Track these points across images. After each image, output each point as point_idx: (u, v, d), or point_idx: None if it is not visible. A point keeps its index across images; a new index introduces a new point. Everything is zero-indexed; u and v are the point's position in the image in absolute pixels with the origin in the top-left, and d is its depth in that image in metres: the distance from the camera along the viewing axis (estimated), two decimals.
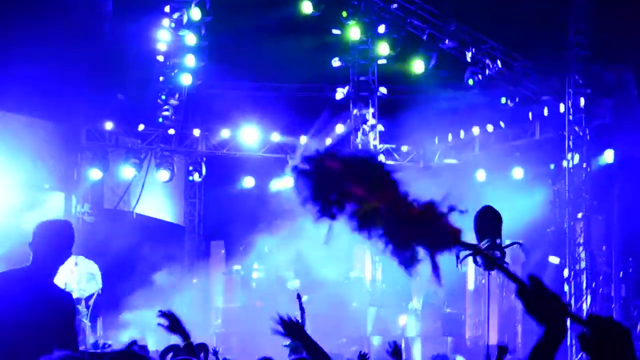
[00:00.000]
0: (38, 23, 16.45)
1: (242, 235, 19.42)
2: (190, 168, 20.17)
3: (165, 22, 18.13)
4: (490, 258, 6.54)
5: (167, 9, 18.07)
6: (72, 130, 18.49)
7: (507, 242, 7.13)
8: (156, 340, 14.43)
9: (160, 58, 18.37)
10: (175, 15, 17.89)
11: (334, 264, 19.01)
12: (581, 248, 16.71)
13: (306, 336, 5.67)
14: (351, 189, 3.16)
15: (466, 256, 6.42)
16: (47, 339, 5.34)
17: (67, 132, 18.41)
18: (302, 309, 9.49)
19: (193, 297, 19.46)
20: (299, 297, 9.71)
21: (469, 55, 17.32)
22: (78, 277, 15.29)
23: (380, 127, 19.52)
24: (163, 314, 6.12)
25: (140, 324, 16.62)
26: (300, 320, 5.89)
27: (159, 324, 6.14)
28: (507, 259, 6.87)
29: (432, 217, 3.21)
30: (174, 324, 6.08)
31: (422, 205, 3.20)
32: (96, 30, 17.91)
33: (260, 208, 19.85)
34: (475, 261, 6.58)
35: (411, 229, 3.19)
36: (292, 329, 5.64)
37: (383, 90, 19.21)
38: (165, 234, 20.00)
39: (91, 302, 15.59)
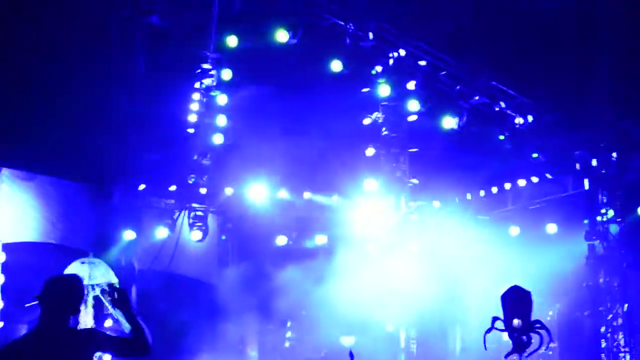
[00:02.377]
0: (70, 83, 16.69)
1: (276, 294, 19.38)
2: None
3: (197, 83, 18.28)
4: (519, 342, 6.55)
5: (199, 70, 18.23)
6: (104, 191, 18.58)
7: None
8: None
9: (192, 118, 18.46)
10: (206, 81, 18.01)
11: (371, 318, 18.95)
12: (617, 305, 16.43)
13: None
14: None
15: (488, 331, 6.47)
16: None
17: (99, 193, 18.51)
18: None
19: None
20: (351, 355, 9.62)
21: (498, 110, 17.27)
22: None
23: (415, 181, 19.43)
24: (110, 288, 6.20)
25: None
26: None
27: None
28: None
29: None
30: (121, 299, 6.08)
31: None
32: (127, 91, 18.09)
33: (297, 267, 19.84)
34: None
35: None
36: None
37: (414, 149, 19.15)
38: (199, 293, 19.97)
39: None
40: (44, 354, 5.62)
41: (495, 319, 6.74)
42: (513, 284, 6.91)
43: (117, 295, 6.02)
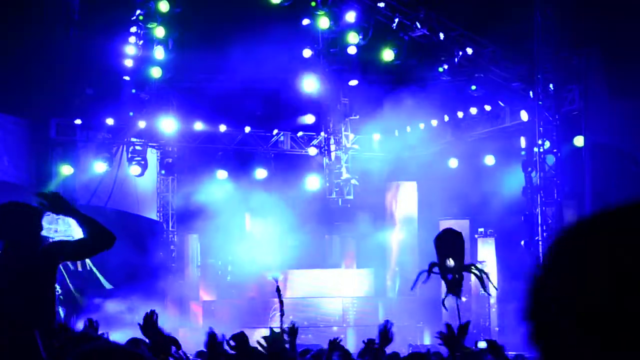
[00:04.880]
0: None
1: (216, 229, 19.36)
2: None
3: (134, 16, 17.99)
4: (453, 283, 6.61)
5: None
6: (42, 126, 18.32)
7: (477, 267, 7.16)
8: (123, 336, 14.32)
9: (130, 50, 18.20)
10: (141, 18, 17.74)
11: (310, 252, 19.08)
12: (553, 234, 16.72)
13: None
14: None
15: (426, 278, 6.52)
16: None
17: (37, 127, 18.25)
18: (281, 301, 9.51)
19: (169, 291, 19.38)
20: (277, 289, 9.70)
21: (438, 42, 17.27)
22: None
23: (354, 116, 19.43)
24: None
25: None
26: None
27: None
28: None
29: None
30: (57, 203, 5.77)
31: None
32: (63, 25, 17.76)
33: (236, 201, 19.85)
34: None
35: None
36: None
37: (353, 82, 19.03)
38: (139, 228, 19.86)
39: None
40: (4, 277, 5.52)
41: (432, 264, 6.81)
42: (445, 227, 7.00)
43: (50, 200, 5.61)
